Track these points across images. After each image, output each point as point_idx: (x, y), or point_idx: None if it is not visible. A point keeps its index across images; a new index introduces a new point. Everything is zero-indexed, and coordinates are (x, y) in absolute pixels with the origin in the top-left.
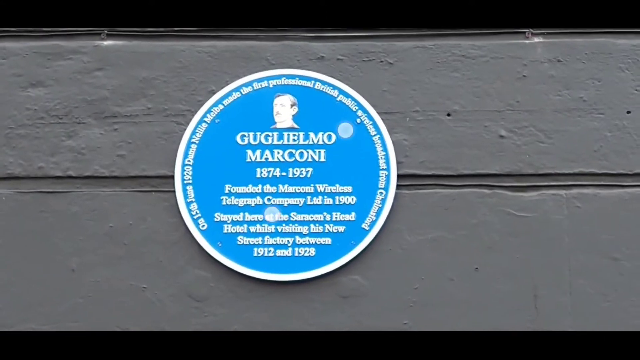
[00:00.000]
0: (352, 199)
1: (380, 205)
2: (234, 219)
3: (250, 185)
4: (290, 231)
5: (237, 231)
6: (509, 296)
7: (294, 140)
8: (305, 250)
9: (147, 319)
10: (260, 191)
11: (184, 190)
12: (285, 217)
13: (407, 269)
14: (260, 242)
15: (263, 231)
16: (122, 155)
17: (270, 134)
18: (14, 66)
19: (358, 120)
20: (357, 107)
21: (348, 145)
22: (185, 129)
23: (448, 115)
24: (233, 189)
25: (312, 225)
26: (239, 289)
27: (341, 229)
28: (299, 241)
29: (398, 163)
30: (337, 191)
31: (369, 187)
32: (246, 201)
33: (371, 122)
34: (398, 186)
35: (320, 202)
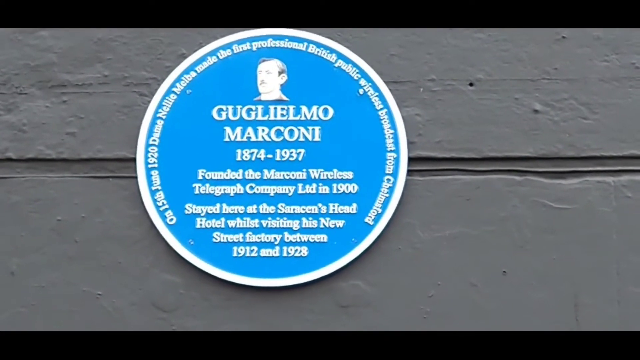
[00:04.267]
0: (353, 187)
1: (387, 195)
2: (209, 212)
3: (229, 170)
4: (278, 226)
5: (213, 226)
6: (544, 305)
7: (282, 115)
8: (296, 250)
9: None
10: (241, 177)
11: (148, 176)
12: (271, 209)
13: (420, 272)
14: (241, 240)
15: (244, 226)
16: (73, 133)
17: (253, 107)
18: None
19: (361, 91)
20: (359, 75)
21: (348, 121)
22: (149, 102)
23: (470, 85)
24: (208, 175)
25: (304, 219)
26: (214, 296)
27: (340, 223)
28: (288, 238)
29: (409, 143)
30: (335, 177)
31: (373, 173)
32: (224, 189)
33: (377, 94)
34: (409, 171)
35: (314, 191)
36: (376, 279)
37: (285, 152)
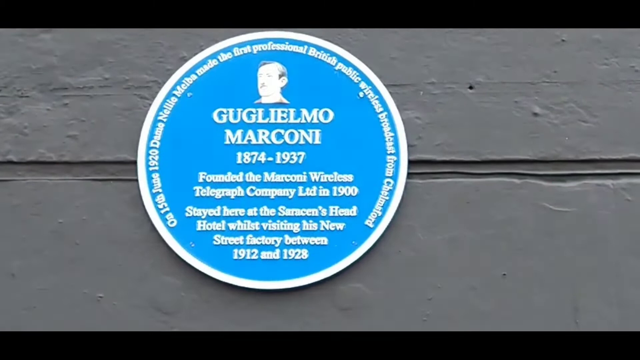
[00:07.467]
0: (354, 189)
1: (387, 198)
2: (210, 214)
3: (229, 173)
4: (278, 229)
5: (214, 229)
6: (543, 308)
7: (282, 118)
8: (297, 253)
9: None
10: (241, 180)
11: (149, 179)
12: (272, 212)
13: (420, 275)
14: (242, 242)
15: (245, 229)
16: (74, 136)
17: (253, 110)
18: None
19: (361, 94)
20: (359, 79)
21: (348, 124)
22: (150, 104)
23: (470, 88)
24: (209, 178)
25: (304, 222)
26: (215, 299)
27: (340, 226)
28: (288, 241)
29: (409, 146)
30: (335, 180)
31: (373, 176)
32: (224, 192)
33: (377, 97)
34: (409, 174)
35: (314, 194)
36: (376, 282)
37: (286, 155)
